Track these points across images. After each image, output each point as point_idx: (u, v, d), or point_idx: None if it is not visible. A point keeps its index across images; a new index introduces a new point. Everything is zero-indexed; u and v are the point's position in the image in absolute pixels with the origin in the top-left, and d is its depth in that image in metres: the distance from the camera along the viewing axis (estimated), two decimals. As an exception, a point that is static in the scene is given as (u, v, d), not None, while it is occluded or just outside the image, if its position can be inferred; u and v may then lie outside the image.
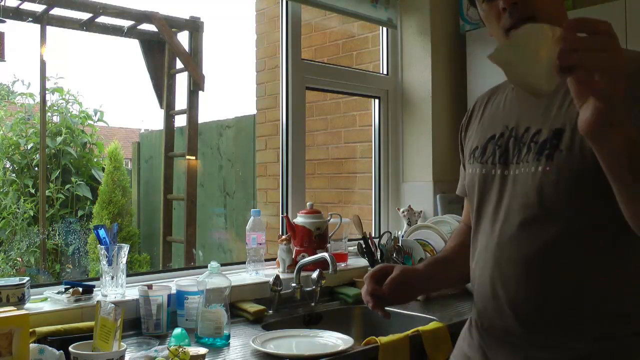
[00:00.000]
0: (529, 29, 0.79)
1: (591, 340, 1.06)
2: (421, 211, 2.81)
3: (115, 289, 1.84)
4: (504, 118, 1.21)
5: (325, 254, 2.08)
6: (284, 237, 2.32)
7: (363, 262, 2.49)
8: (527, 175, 1.10)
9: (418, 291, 1.46)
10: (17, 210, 4.39)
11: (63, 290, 1.78)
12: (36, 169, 4.53)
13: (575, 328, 1.07)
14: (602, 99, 0.78)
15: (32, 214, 4.41)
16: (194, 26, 4.51)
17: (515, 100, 1.20)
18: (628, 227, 0.97)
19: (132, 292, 1.85)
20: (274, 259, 2.37)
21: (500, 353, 1.16)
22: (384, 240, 2.48)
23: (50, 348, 1.39)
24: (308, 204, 2.43)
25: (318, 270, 2.16)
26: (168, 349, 1.43)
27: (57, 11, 4.01)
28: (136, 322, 1.79)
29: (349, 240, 2.60)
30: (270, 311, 2.05)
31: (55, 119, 4.73)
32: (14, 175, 4.57)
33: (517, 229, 1.10)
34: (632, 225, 0.95)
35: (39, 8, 3.92)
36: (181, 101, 4.59)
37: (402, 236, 2.53)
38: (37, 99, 4.42)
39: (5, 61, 3.94)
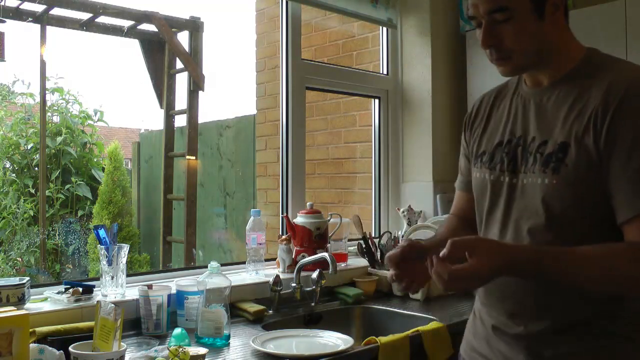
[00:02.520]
0: None
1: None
2: (421, 211, 2.81)
3: (115, 289, 1.84)
4: (511, 126, 1.25)
5: (325, 254, 2.08)
6: (284, 237, 2.32)
7: (363, 262, 2.49)
8: (534, 186, 1.16)
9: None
10: (17, 210, 4.39)
11: (63, 290, 1.78)
12: (36, 169, 4.53)
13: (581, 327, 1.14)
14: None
15: (32, 214, 4.41)
16: (194, 26, 4.51)
17: (521, 108, 1.25)
18: (621, 238, 1.07)
19: (132, 292, 1.85)
20: (274, 259, 2.37)
21: (501, 346, 1.23)
22: (384, 240, 2.48)
23: (50, 348, 1.39)
24: (308, 204, 2.43)
25: (318, 270, 2.16)
26: (168, 349, 1.43)
27: (57, 11, 4.02)
28: (136, 322, 1.79)
29: (349, 240, 2.60)
30: (270, 311, 2.04)
31: (55, 119, 4.73)
32: (14, 175, 4.58)
33: (525, 237, 1.16)
34: None
35: (39, 8, 3.92)
36: (181, 101, 4.59)
37: (402, 236, 2.53)
38: (37, 99, 4.42)
39: (5, 61, 3.94)
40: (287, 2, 2.52)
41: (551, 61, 1.19)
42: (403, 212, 2.77)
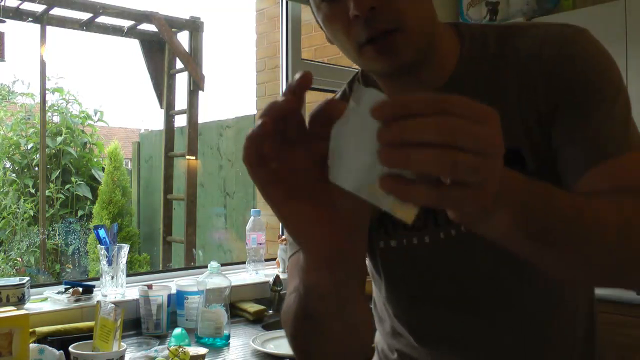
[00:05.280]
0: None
1: None
2: (421, 211, 2.80)
3: (115, 289, 1.84)
4: None
5: (325, 254, 2.08)
6: (284, 237, 2.32)
7: (363, 262, 2.49)
8: None
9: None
10: (17, 210, 4.40)
11: (63, 290, 1.78)
12: (36, 169, 4.53)
13: None
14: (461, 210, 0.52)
15: (32, 214, 4.41)
16: (194, 26, 4.51)
17: None
18: None
19: (132, 292, 1.85)
20: (274, 259, 2.37)
21: None
22: (384, 240, 2.48)
23: (50, 348, 1.39)
24: (308, 204, 2.42)
25: (318, 270, 2.15)
26: (168, 349, 1.43)
27: (57, 11, 4.02)
28: (136, 322, 1.79)
29: (349, 240, 2.59)
30: (270, 311, 2.04)
31: (56, 119, 4.73)
32: (14, 175, 4.58)
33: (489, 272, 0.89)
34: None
35: (39, 8, 3.92)
36: (181, 101, 4.59)
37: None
38: (37, 99, 4.43)
39: (5, 61, 3.94)
40: (287, 2, 2.52)
41: (434, 60, 0.83)
42: (403, 212, 2.77)
